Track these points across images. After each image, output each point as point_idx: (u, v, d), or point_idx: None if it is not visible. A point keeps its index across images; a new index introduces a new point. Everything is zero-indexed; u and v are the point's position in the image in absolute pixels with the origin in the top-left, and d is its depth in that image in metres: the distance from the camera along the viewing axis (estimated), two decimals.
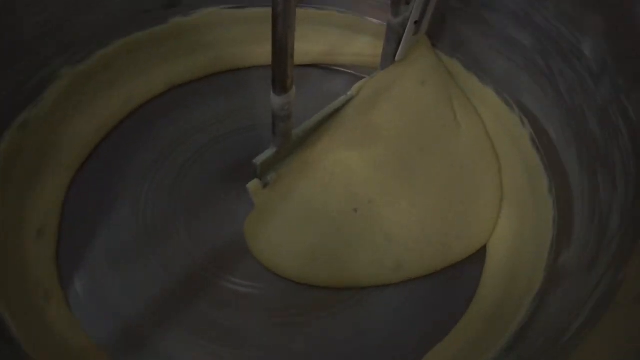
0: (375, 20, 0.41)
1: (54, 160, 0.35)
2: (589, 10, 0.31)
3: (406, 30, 0.35)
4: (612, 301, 0.26)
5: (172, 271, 0.33)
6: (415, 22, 0.35)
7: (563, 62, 0.33)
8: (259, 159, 0.32)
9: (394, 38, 0.36)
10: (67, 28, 0.35)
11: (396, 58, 0.37)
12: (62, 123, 0.36)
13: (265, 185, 0.34)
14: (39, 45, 0.34)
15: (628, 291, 0.26)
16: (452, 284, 0.34)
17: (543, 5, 0.33)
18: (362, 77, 0.38)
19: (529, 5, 0.34)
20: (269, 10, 0.25)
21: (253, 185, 0.33)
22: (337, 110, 0.36)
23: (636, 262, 0.26)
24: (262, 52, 0.41)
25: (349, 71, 0.43)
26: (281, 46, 0.26)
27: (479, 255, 0.35)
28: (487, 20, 0.37)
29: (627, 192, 0.29)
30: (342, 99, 0.37)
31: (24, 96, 0.34)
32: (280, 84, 0.29)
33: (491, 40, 0.37)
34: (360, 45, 0.42)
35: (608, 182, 0.30)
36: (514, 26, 0.36)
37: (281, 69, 0.28)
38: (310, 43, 0.42)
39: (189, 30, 0.40)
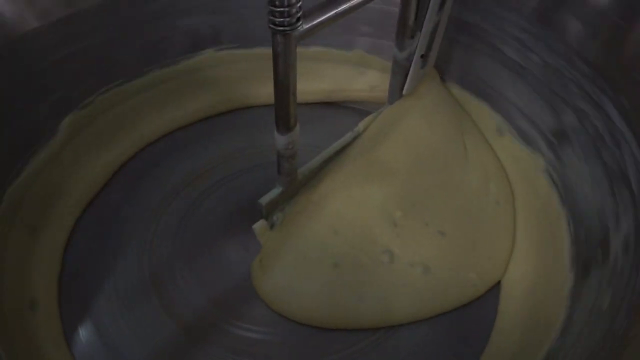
0: (381, 56, 0.41)
1: (57, 205, 0.35)
2: None
3: (412, 64, 0.35)
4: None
5: (179, 317, 0.33)
6: (422, 56, 0.35)
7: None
8: (265, 199, 0.32)
9: (400, 72, 0.36)
10: (71, 72, 0.36)
11: (403, 92, 0.37)
12: (65, 169, 0.36)
13: (271, 226, 0.34)
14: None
15: None
16: (471, 320, 0.33)
17: None
18: (370, 113, 0.38)
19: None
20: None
21: (259, 226, 0.33)
22: (343, 148, 0.36)
23: None
24: (266, 92, 0.41)
25: (356, 107, 0.43)
26: (283, 85, 0.27)
27: (496, 290, 0.34)
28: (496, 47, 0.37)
29: None
30: (349, 135, 0.36)
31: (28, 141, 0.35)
32: (283, 123, 0.29)
33: (501, 69, 0.37)
34: (367, 80, 0.42)
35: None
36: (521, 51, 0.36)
37: (284, 108, 0.28)
38: (316, 81, 0.42)
39: (191, 70, 0.41)
